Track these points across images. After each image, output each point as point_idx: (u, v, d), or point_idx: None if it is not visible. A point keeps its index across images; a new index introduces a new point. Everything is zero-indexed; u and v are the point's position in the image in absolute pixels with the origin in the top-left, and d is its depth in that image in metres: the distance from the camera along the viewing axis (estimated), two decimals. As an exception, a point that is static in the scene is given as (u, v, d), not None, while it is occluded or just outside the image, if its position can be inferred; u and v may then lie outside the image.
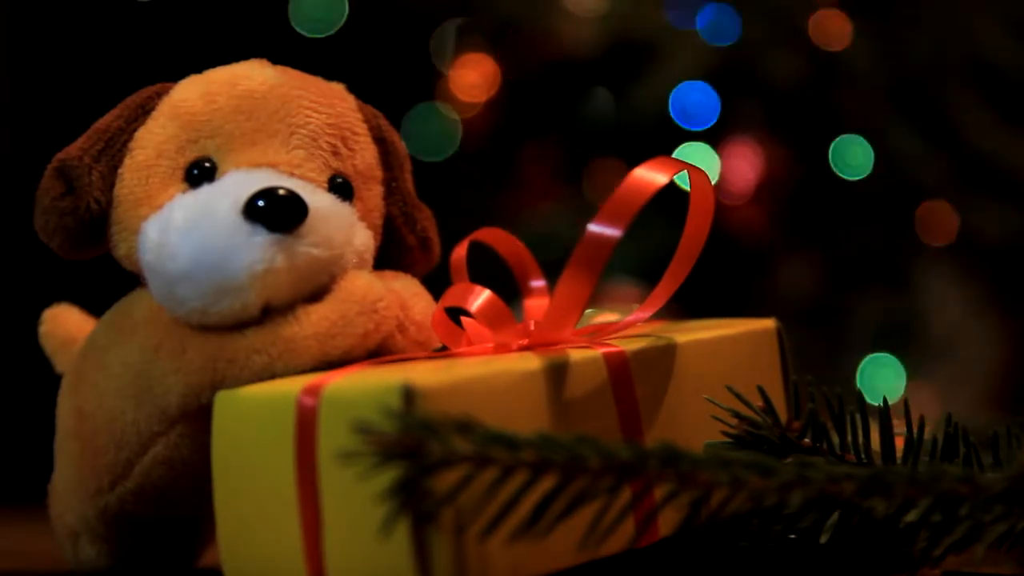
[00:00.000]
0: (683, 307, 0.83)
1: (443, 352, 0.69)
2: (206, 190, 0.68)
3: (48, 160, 0.71)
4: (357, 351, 0.67)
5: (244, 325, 0.66)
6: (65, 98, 1.52)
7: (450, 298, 0.68)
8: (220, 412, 0.63)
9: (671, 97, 1.50)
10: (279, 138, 0.70)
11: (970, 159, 1.53)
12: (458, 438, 0.53)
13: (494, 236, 0.75)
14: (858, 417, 0.64)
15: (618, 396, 0.64)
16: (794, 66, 1.50)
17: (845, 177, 1.52)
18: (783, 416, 0.68)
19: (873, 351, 1.54)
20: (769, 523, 0.58)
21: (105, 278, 0.75)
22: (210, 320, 0.66)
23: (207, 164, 0.70)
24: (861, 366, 1.53)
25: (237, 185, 0.67)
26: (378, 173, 0.74)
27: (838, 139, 1.52)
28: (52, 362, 0.79)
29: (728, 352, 0.70)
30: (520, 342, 0.66)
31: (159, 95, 0.72)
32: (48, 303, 0.80)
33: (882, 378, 1.52)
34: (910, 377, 1.52)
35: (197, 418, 0.66)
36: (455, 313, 0.69)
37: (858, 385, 1.50)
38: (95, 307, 0.77)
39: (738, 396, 0.65)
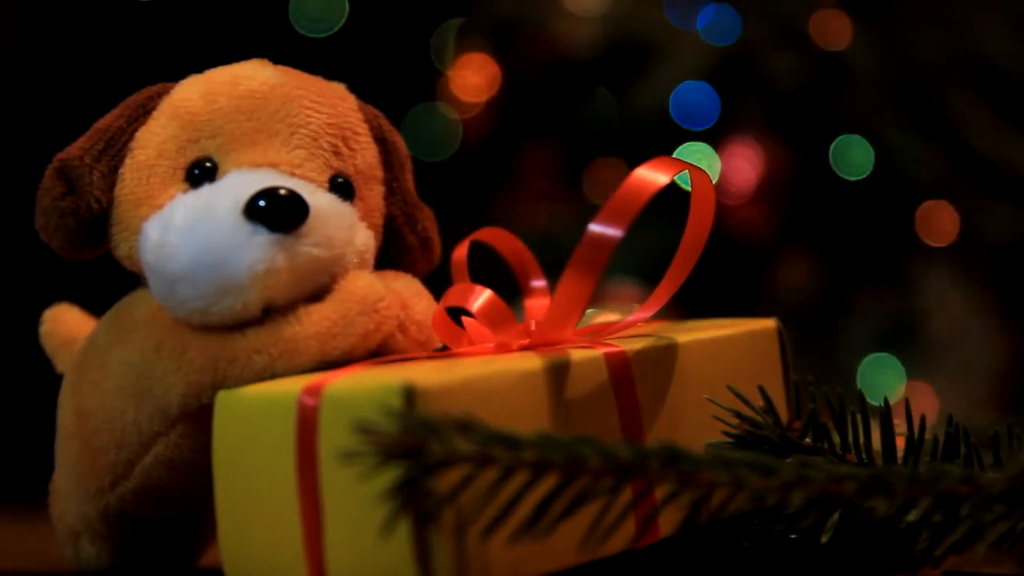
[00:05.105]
0: (684, 307, 0.83)
1: (444, 352, 0.69)
2: (207, 190, 0.68)
3: (48, 160, 0.71)
4: (358, 351, 0.67)
5: (245, 325, 0.66)
6: (66, 98, 1.52)
7: (451, 298, 0.68)
8: (221, 412, 0.63)
9: (671, 97, 1.50)
10: (280, 138, 0.70)
11: (970, 159, 1.53)
12: (459, 438, 0.53)
13: (495, 236, 0.75)
14: (859, 417, 0.64)
15: (619, 396, 0.64)
16: (794, 66, 1.51)
17: (845, 177, 1.52)
18: (784, 416, 0.68)
19: (873, 351, 1.54)
20: (770, 523, 0.58)
21: (105, 278, 0.75)
22: (211, 320, 0.66)
23: (208, 164, 0.70)
24: (861, 366, 1.53)
25: (238, 185, 0.67)
26: (379, 173, 0.74)
27: (838, 139, 1.52)
28: (52, 362, 0.78)
29: (729, 352, 0.70)
30: (521, 342, 0.66)
31: (160, 95, 0.72)
32: (48, 303, 0.80)
33: (882, 378, 1.52)
34: (910, 377, 1.52)
35: (198, 418, 0.66)
36: (456, 313, 0.69)
37: (858, 385, 1.50)
38: (95, 307, 0.77)
39: (739, 396, 0.65)
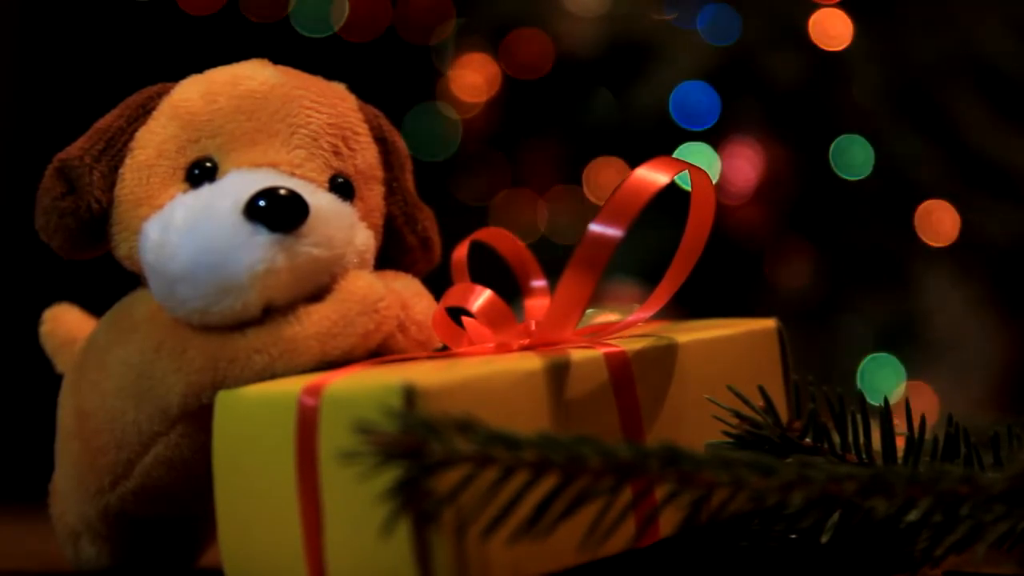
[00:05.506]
0: (684, 307, 0.83)
1: (444, 352, 0.69)
2: (207, 190, 0.68)
3: (48, 160, 0.71)
4: (358, 351, 0.67)
5: (245, 325, 0.66)
6: (66, 98, 1.52)
7: (451, 298, 0.68)
8: (221, 412, 0.63)
9: (671, 97, 1.50)
10: (280, 138, 0.70)
11: (970, 159, 1.53)
12: (459, 438, 0.53)
13: (495, 236, 0.75)
14: (859, 417, 0.64)
15: (619, 396, 0.64)
16: (794, 66, 1.50)
17: (845, 177, 1.52)
18: (784, 416, 0.68)
19: (873, 351, 1.54)
20: (770, 523, 0.58)
21: (105, 278, 0.75)
22: (211, 320, 0.66)
23: (208, 164, 0.70)
24: (861, 366, 1.53)
25: (238, 185, 0.67)
26: (379, 173, 0.74)
27: (838, 139, 1.52)
28: (53, 362, 0.79)
29: (729, 352, 0.70)
30: (521, 342, 0.66)
31: (160, 95, 0.72)
32: (48, 303, 0.80)
33: (882, 378, 1.52)
34: (910, 377, 1.52)
35: (198, 418, 0.66)
36: (456, 313, 0.69)
37: (858, 385, 1.50)
38: (95, 307, 0.77)
39: (739, 396, 0.65)
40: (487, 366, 0.61)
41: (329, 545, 0.59)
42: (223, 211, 0.66)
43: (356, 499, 0.56)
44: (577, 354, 0.63)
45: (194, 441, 0.67)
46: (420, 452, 0.52)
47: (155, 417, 0.67)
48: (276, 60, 0.74)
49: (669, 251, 0.68)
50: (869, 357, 1.54)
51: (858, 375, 1.52)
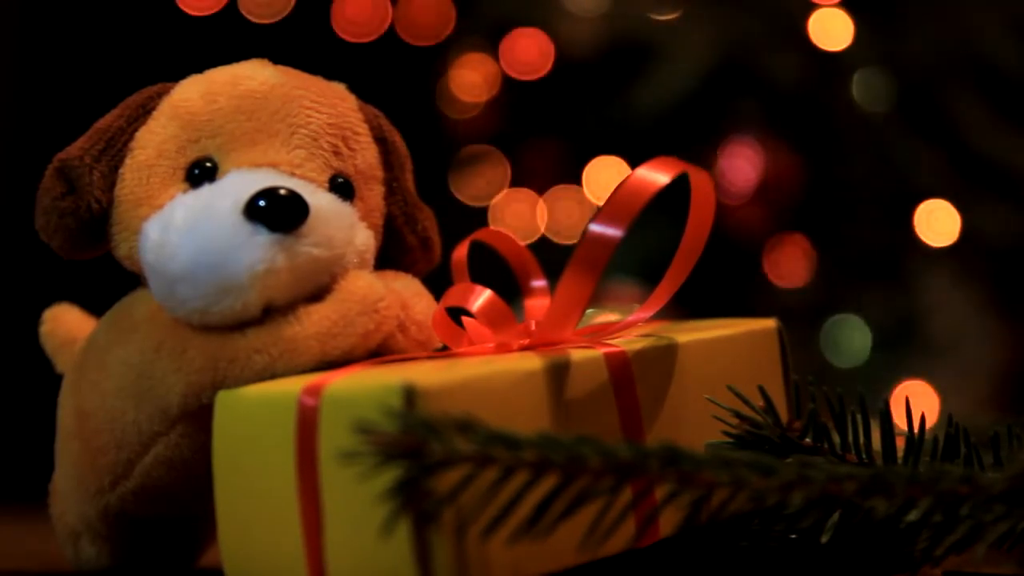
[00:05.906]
0: (684, 307, 0.83)
1: (444, 352, 0.69)
2: (207, 190, 0.68)
3: (48, 160, 0.71)
4: (358, 351, 0.67)
5: (245, 325, 0.66)
6: (65, 98, 1.52)
7: (451, 298, 0.68)
8: (221, 412, 0.63)
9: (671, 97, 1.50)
10: (280, 138, 0.70)
11: (970, 159, 1.53)
12: (459, 438, 0.53)
13: (495, 236, 0.75)
14: (859, 417, 0.64)
15: (619, 396, 0.64)
16: (794, 66, 1.50)
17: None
18: (784, 416, 0.68)
19: (873, 351, 1.54)
20: (770, 523, 0.58)
21: (105, 278, 0.75)
22: (211, 320, 0.66)
23: (208, 164, 0.70)
24: (861, 366, 1.53)
25: (238, 185, 0.67)
26: (379, 173, 0.74)
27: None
28: (53, 362, 0.79)
29: (729, 352, 0.70)
30: (521, 342, 0.66)
31: (160, 95, 0.72)
32: (48, 303, 0.80)
33: (882, 378, 1.52)
34: (910, 377, 1.52)
35: (198, 418, 0.66)
36: (456, 313, 0.69)
37: (858, 385, 1.50)
38: (95, 307, 0.77)
39: (739, 396, 0.65)
40: (487, 366, 0.61)
41: (329, 545, 0.59)
42: (223, 211, 0.66)
43: (356, 499, 0.56)
44: (577, 354, 0.63)
45: (194, 441, 0.67)
46: (420, 452, 0.53)
47: (155, 417, 0.67)
48: (276, 60, 0.74)
49: (669, 251, 0.68)
50: (869, 357, 1.54)
51: (858, 375, 1.52)
